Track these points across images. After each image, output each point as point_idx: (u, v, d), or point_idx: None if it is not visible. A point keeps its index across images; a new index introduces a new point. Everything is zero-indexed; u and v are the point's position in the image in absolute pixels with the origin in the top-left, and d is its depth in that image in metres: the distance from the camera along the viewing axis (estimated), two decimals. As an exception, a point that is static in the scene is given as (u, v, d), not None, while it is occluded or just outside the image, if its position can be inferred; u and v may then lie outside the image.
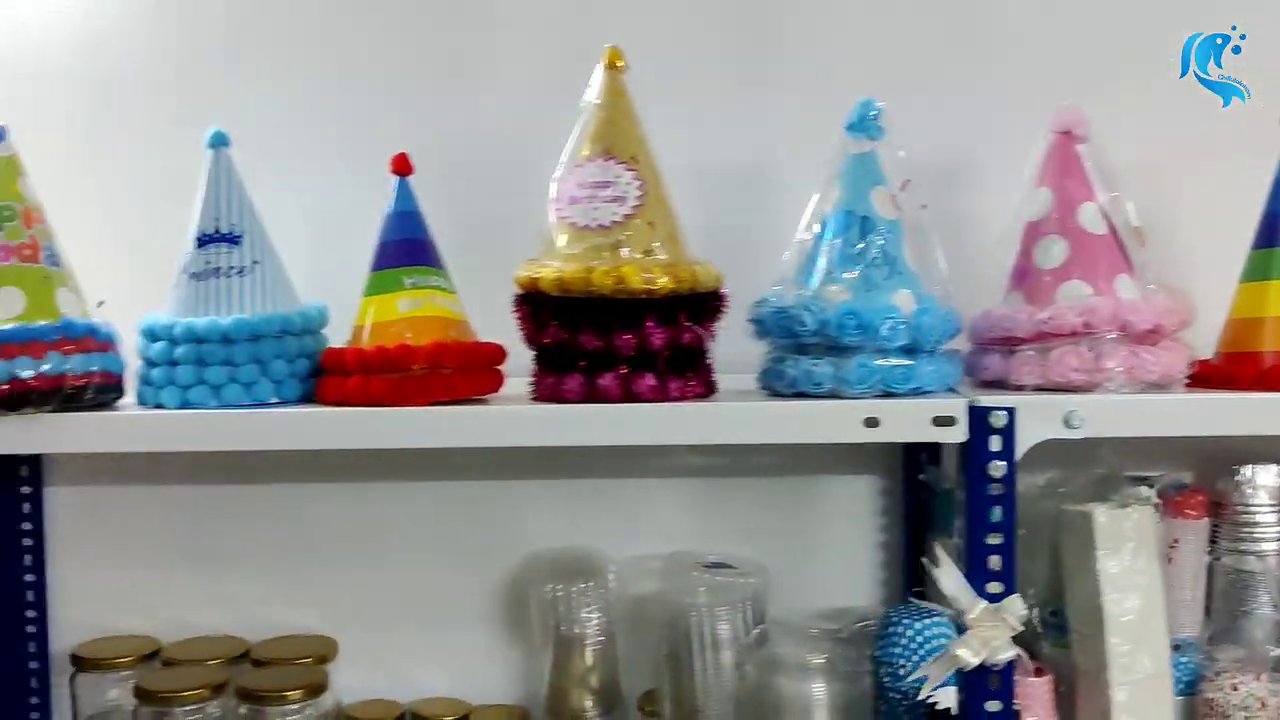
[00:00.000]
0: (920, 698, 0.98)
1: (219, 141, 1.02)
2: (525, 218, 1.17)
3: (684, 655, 1.14)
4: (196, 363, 0.97)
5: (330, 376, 0.98)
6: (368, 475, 1.25)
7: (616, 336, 0.93)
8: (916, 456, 1.21)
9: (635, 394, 0.94)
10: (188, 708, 1.12)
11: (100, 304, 1.25)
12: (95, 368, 0.96)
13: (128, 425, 0.96)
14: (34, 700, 1.27)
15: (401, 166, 1.01)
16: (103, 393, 0.97)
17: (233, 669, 1.18)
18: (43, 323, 0.95)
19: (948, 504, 1.16)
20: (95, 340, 0.97)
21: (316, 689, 1.12)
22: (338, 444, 0.97)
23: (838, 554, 1.25)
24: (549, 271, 0.94)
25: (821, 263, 0.99)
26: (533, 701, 1.23)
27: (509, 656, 1.27)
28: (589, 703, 1.18)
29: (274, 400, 0.99)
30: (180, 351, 0.97)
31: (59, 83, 1.24)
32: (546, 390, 0.97)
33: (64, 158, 1.15)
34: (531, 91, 1.23)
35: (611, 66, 0.97)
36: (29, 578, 1.26)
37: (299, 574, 1.27)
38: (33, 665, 1.27)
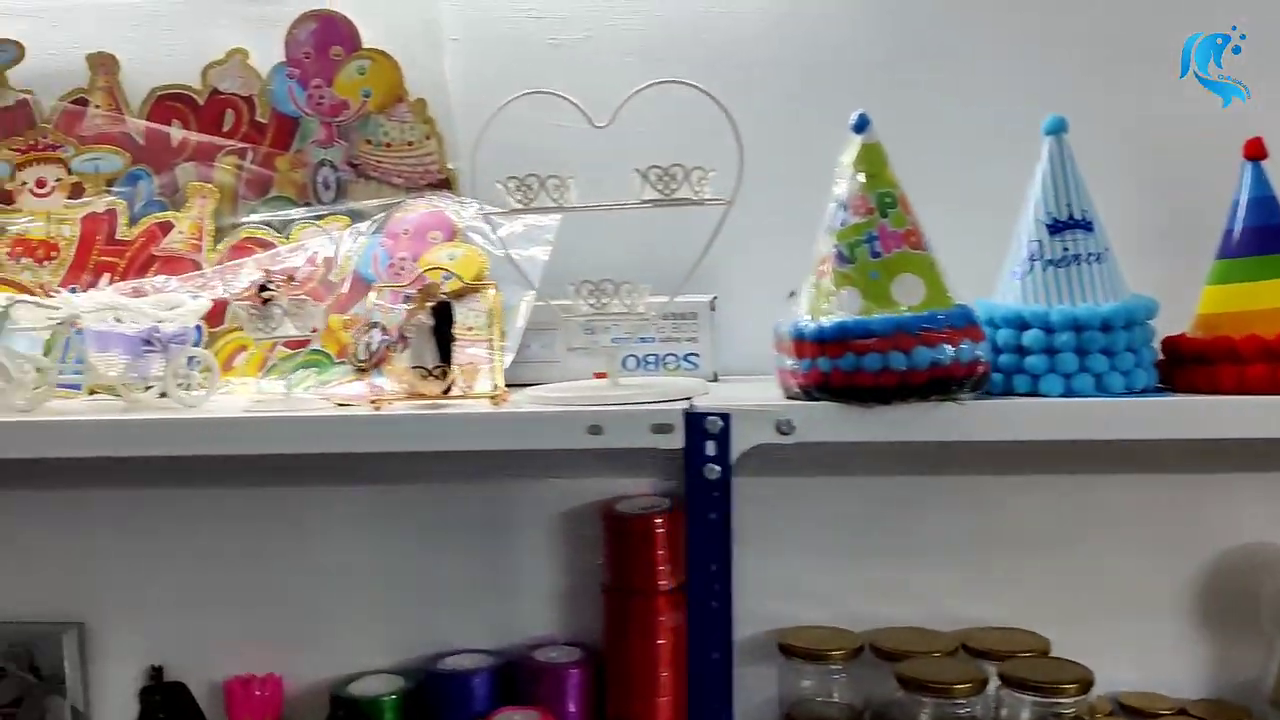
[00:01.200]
0: None
1: (1058, 127, 1.01)
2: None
3: None
4: (1076, 350, 0.96)
5: (1212, 364, 0.97)
6: (1064, 467, 1.24)
7: None
8: None
9: None
10: (958, 701, 1.12)
11: (792, 294, 1.27)
12: (989, 355, 0.95)
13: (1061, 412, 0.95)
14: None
15: (1255, 151, 1.00)
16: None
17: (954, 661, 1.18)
18: (947, 310, 0.94)
19: None
20: (981, 327, 0.96)
21: (1086, 684, 1.11)
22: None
23: None
24: None
25: None
26: (1237, 697, 1.22)
27: (1199, 651, 1.25)
28: (1321, 698, 1.16)
29: (1141, 388, 0.97)
30: (1062, 339, 0.96)
31: (772, 70, 1.24)
32: None
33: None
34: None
35: None
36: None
37: (984, 566, 1.26)
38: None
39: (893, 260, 0.95)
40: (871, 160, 0.97)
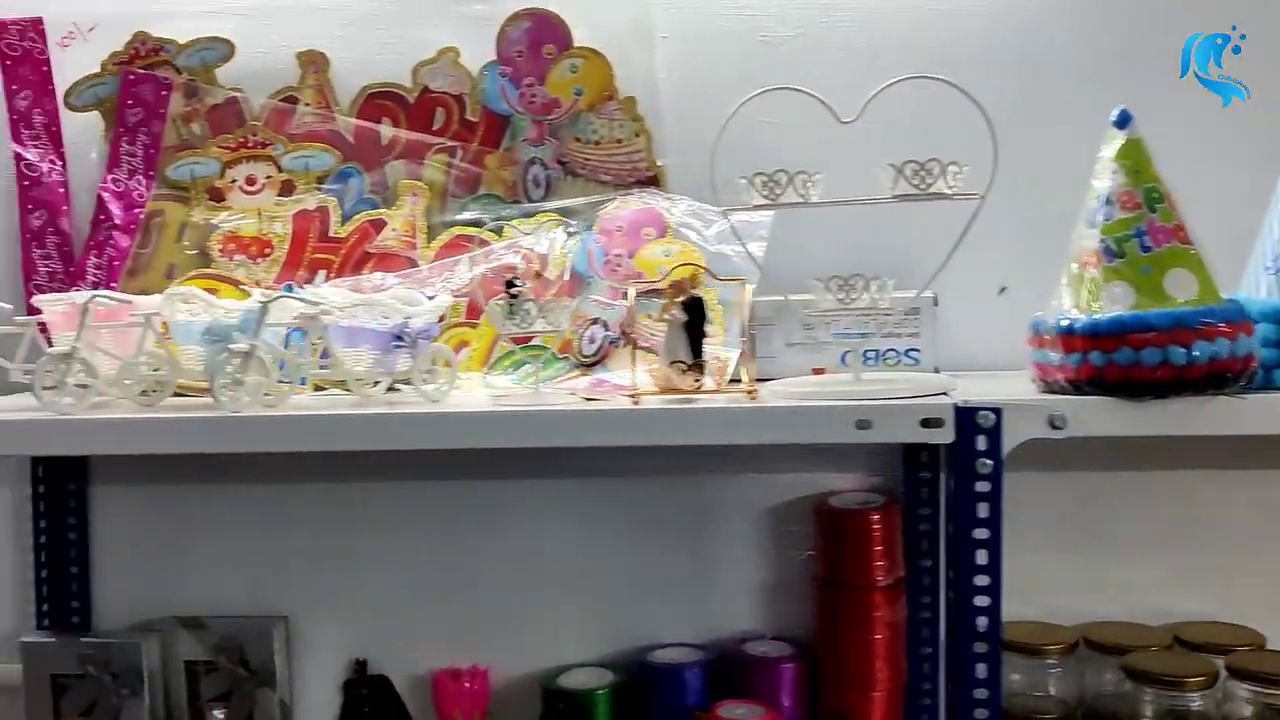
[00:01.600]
0: None
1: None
2: None
3: None
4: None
5: None
6: (1267, 462, 1.24)
7: None
8: None
9: None
10: (1189, 694, 1.12)
11: (1002, 290, 1.27)
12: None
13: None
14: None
15: None
16: (1250, 376, 0.97)
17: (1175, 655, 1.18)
18: (1222, 305, 0.95)
19: None
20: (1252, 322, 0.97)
21: (1318, 677, 1.12)
22: None
23: None
24: None
25: None
26: None
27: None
28: None
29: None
30: (1312, 335, 0.97)
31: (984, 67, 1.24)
32: None
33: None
34: None
35: None
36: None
37: (1189, 561, 1.26)
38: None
39: (1164, 255, 0.96)
40: (1135, 155, 0.98)
